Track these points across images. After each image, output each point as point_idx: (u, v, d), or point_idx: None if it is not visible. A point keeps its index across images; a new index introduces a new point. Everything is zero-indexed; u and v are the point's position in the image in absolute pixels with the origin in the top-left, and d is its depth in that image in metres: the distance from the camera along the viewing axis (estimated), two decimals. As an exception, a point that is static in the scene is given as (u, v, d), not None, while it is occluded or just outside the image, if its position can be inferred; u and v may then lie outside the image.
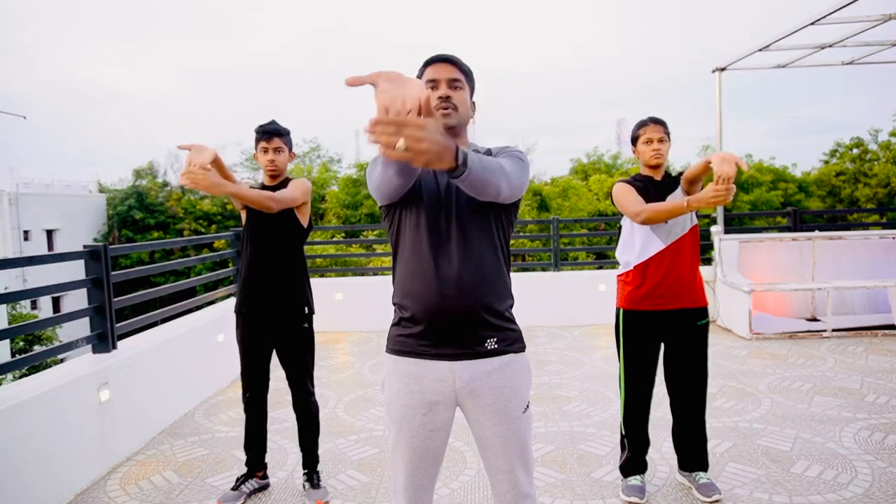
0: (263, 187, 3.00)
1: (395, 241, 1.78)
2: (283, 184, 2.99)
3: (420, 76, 1.80)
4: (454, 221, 1.69)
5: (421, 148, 1.20)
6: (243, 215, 3.02)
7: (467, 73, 1.79)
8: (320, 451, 3.34)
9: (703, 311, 2.89)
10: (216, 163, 2.51)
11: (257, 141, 2.96)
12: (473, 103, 1.83)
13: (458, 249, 1.68)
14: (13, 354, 16.90)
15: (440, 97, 1.72)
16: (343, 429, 3.99)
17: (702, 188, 2.78)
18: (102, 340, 3.74)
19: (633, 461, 2.98)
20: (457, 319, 1.68)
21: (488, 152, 1.79)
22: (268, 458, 3.27)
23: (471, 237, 1.69)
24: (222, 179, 2.44)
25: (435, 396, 1.72)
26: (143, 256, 24.64)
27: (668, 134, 2.85)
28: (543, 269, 8.87)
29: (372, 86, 1.22)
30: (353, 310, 7.14)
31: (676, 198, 2.81)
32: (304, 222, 3.01)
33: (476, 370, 1.70)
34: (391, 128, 1.18)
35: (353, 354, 6.02)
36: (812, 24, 5.33)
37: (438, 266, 1.67)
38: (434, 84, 1.74)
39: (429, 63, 1.78)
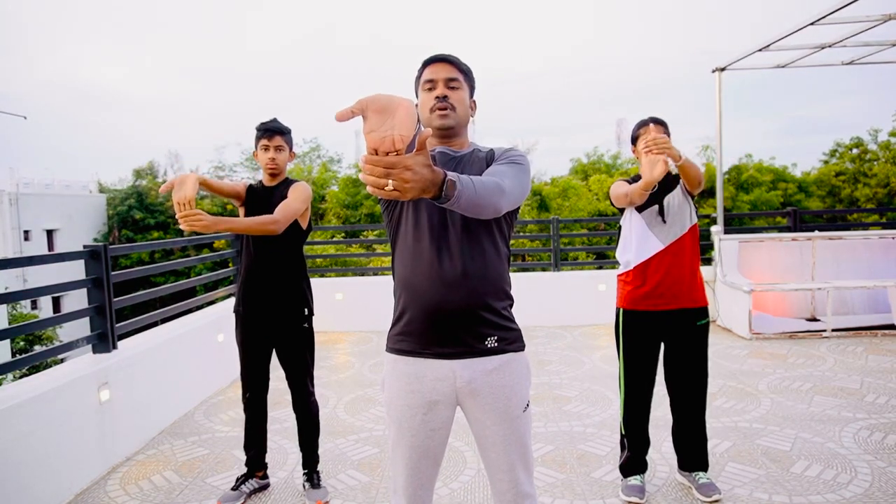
0: (262, 186, 3.00)
1: (395, 239, 1.78)
2: (283, 184, 2.98)
3: (419, 76, 1.80)
4: (456, 219, 1.68)
5: (406, 188, 1.24)
6: (241, 214, 3.02)
7: (466, 73, 1.79)
8: (320, 451, 3.34)
9: (703, 311, 2.89)
10: (203, 184, 2.53)
11: (258, 139, 2.95)
12: (473, 102, 1.83)
13: (459, 247, 1.68)
14: (13, 354, 16.90)
15: (437, 97, 1.72)
16: (343, 429, 3.99)
17: (701, 196, 2.79)
18: (102, 340, 3.74)
19: (633, 461, 2.98)
20: (457, 318, 1.68)
21: (490, 154, 1.79)
22: (268, 458, 3.27)
23: (472, 235, 1.69)
24: (217, 218, 2.43)
25: (435, 396, 1.72)
26: (143, 256, 24.64)
27: (668, 134, 2.84)
28: (543, 269, 8.87)
29: (362, 117, 1.23)
30: (353, 310, 7.14)
31: (676, 197, 2.83)
32: (304, 225, 3.00)
33: (476, 369, 1.70)
34: (380, 169, 1.21)
35: (353, 354, 6.02)
36: (812, 24, 5.32)
37: (440, 264, 1.67)
38: (432, 84, 1.74)
39: (427, 63, 1.78)
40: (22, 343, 18.10)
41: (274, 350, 3.07)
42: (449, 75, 1.74)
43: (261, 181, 3.04)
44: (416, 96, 1.83)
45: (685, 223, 2.83)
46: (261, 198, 2.95)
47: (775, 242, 6.94)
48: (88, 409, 3.35)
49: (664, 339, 2.91)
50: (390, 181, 1.22)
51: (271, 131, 2.92)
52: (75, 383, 3.26)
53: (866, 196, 25.58)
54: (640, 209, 2.84)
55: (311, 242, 8.17)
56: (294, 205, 2.84)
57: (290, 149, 3.01)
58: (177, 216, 2.33)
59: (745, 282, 6.34)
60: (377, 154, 1.20)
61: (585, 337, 6.46)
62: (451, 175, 1.34)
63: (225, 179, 28.77)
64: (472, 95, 1.82)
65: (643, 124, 2.86)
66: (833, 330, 6.06)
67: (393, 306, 1.81)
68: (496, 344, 1.72)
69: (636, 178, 2.90)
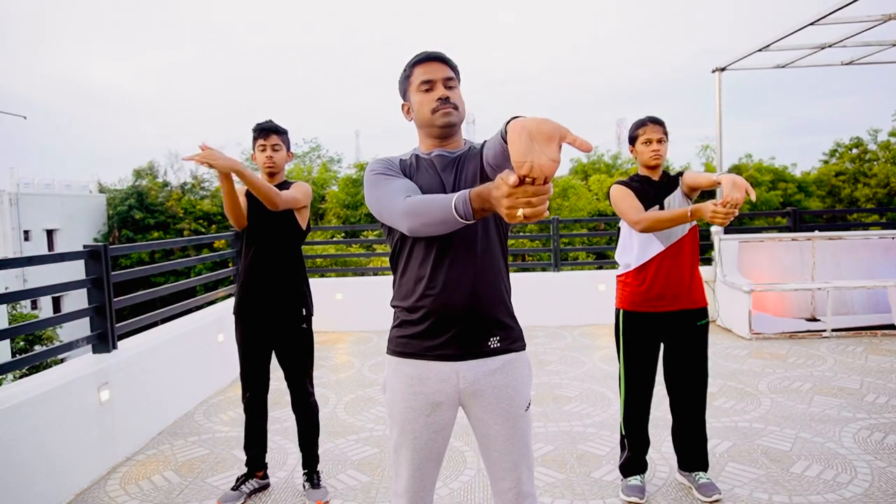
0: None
1: (395, 244, 1.77)
2: (282, 186, 2.98)
3: (408, 75, 1.75)
4: None
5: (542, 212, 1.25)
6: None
7: (455, 69, 1.76)
8: (320, 451, 3.34)
9: (703, 312, 2.89)
10: (238, 173, 2.65)
11: (255, 139, 2.96)
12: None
13: (460, 250, 1.67)
14: (13, 354, 16.89)
15: (439, 98, 1.70)
16: (343, 429, 3.99)
17: (700, 198, 2.78)
18: (102, 340, 3.74)
19: (633, 461, 2.97)
20: (460, 320, 1.67)
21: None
22: (268, 458, 3.27)
23: (472, 238, 1.68)
24: (235, 161, 2.60)
25: (439, 397, 1.72)
26: (143, 256, 24.64)
27: (666, 134, 2.84)
28: (543, 269, 8.87)
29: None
30: (353, 310, 7.14)
31: (676, 198, 2.82)
32: (303, 225, 3.01)
33: (480, 370, 1.70)
34: (543, 198, 1.22)
35: (353, 354, 6.02)
36: (812, 24, 5.32)
37: (441, 268, 1.66)
38: (430, 85, 1.70)
39: (418, 62, 1.72)
40: (22, 343, 18.09)
41: (273, 351, 3.07)
42: (445, 75, 1.71)
43: None
44: (403, 96, 1.78)
45: (685, 225, 2.82)
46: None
47: (775, 242, 6.94)
48: (88, 409, 3.35)
49: (664, 339, 2.91)
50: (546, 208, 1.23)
51: (267, 131, 2.93)
52: (75, 383, 3.26)
53: (866, 196, 25.58)
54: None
55: (311, 242, 8.17)
56: (294, 194, 2.88)
57: (288, 149, 3.01)
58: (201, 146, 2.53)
59: (745, 282, 6.34)
60: (532, 182, 1.20)
61: (585, 337, 6.46)
62: None
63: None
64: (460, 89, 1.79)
65: (641, 124, 2.86)
66: (833, 330, 6.05)
67: (393, 308, 1.80)
68: (499, 344, 1.72)
69: (636, 179, 2.90)
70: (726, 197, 2.33)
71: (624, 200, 2.78)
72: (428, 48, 1.77)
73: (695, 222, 2.87)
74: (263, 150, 2.94)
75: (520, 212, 1.22)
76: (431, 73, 1.70)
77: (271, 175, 2.98)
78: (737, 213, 2.37)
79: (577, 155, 28.71)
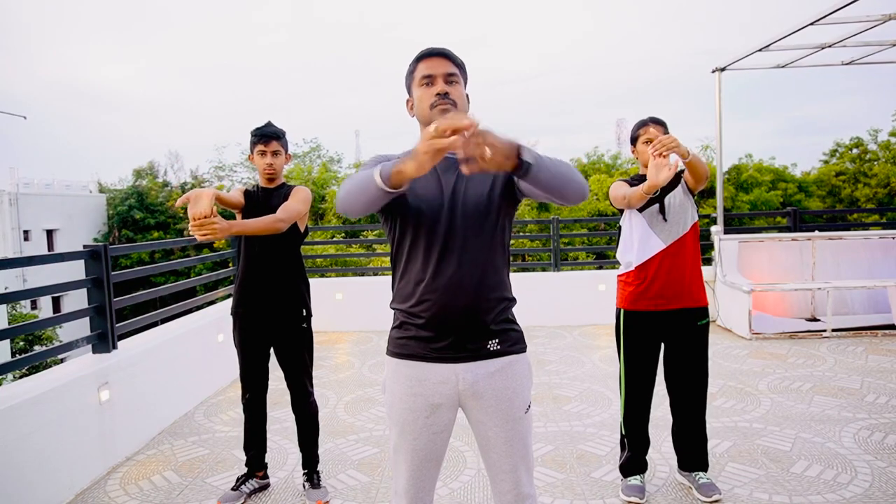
0: (260, 189, 3.01)
1: (395, 244, 1.76)
2: (281, 188, 2.99)
3: (412, 71, 1.75)
4: (457, 224, 1.66)
5: (500, 150, 1.33)
6: (238, 218, 3.02)
7: (461, 67, 1.75)
8: (320, 451, 3.34)
9: (703, 311, 2.89)
10: (217, 199, 2.52)
11: (254, 144, 2.96)
12: (467, 96, 1.78)
13: (461, 252, 1.66)
14: (13, 354, 16.89)
15: (438, 94, 1.68)
16: (343, 429, 3.99)
17: (701, 197, 2.79)
18: (102, 340, 3.74)
19: (633, 461, 2.97)
20: (460, 321, 1.67)
21: None
22: (268, 458, 3.27)
23: (474, 240, 1.67)
24: (229, 223, 2.45)
25: (437, 399, 1.71)
26: (143, 256, 24.63)
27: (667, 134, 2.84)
28: (543, 269, 8.88)
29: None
30: (353, 310, 7.14)
31: (677, 196, 2.82)
32: (302, 227, 3.02)
33: (479, 371, 1.69)
34: (480, 138, 1.29)
35: (353, 354, 6.02)
36: (812, 24, 5.32)
37: (442, 269, 1.66)
38: (430, 80, 1.70)
39: (422, 57, 1.72)
40: (22, 343, 18.09)
41: (273, 351, 3.07)
42: (447, 70, 1.69)
43: (257, 185, 3.05)
44: (409, 92, 1.78)
45: (686, 222, 2.83)
46: (259, 201, 2.97)
47: (775, 242, 6.94)
48: (88, 409, 3.35)
49: (664, 339, 2.91)
50: (488, 149, 1.32)
51: (267, 137, 2.93)
52: (75, 383, 3.26)
53: (866, 196, 25.56)
54: (641, 208, 2.84)
55: (311, 242, 8.17)
56: (297, 206, 2.86)
57: (286, 151, 3.02)
58: (191, 228, 2.30)
59: (745, 282, 6.34)
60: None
61: (585, 337, 6.46)
62: (524, 143, 1.42)
63: (224, 180, 28.82)
64: (465, 89, 1.78)
65: (642, 125, 2.86)
66: (833, 330, 6.05)
67: (392, 310, 1.80)
68: (498, 346, 1.71)
69: (636, 178, 2.90)
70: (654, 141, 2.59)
71: (617, 188, 2.86)
72: (432, 46, 1.76)
73: (696, 218, 2.88)
74: (263, 156, 2.95)
75: (488, 153, 1.32)
76: (433, 68, 1.70)
77: (271, 179, 2.99)
78: (665, 146, 2.53)
79: (577, 155, 28.71)
